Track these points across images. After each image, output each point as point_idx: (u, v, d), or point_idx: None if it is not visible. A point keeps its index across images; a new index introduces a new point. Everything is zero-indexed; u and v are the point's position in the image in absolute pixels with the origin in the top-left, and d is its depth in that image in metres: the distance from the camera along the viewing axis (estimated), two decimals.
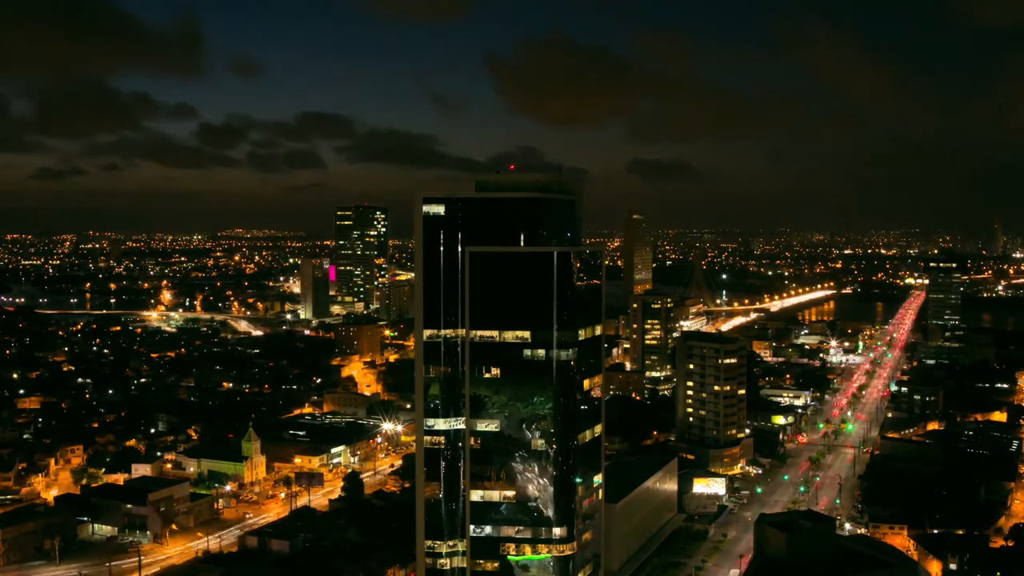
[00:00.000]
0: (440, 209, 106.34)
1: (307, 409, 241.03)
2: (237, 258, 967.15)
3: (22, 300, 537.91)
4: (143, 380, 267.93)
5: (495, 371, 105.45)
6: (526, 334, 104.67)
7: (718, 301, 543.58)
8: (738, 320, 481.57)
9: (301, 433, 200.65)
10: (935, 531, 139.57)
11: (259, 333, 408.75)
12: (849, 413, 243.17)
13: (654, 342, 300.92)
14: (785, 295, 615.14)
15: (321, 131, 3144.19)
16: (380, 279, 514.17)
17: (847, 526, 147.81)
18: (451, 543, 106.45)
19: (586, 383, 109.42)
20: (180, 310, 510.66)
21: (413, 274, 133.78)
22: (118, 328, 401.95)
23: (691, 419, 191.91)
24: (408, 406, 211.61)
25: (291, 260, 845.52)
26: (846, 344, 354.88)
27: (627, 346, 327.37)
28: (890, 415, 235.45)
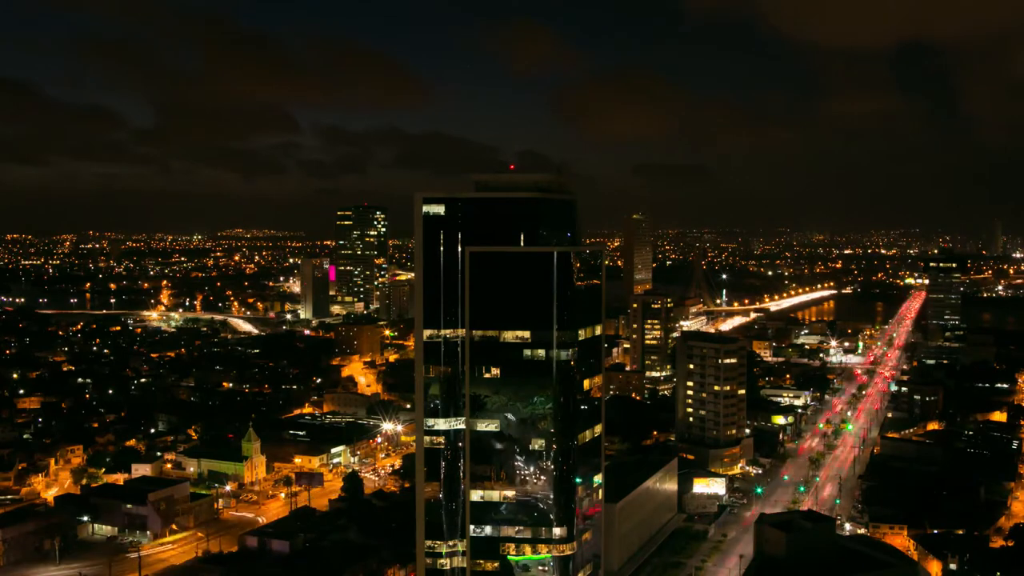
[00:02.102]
0: (440, 209, 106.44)
1: (307, 409, 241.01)
2: (237, 258, 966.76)
3: (22, 300, 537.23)
4: (143, 380, 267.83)
5: (495, 371, 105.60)
6: (526, 334, 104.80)
7: (718, 301, 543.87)
8: (738, 320, 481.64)
9: (301, 433, 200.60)
10: (935, 531, 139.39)
11: (259, 333, 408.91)
12: (849, 413, 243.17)
13: (654, 342, 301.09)
14: (785, 295, 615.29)
15: (375, 139, 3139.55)
16: (380, 279, 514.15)
17: (847, 526, 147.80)
18: (451, 543, 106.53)
19: (586, 383, 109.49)
20: (180, 310, 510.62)
21: (413, 274, 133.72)
22: (118, 328, 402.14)
23: (691, 419, 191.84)
24: (408, 406, 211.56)
25: (291, 260, 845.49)
26: (846, 344, 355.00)
27: (627, 346, 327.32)
28: (890, 415, 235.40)
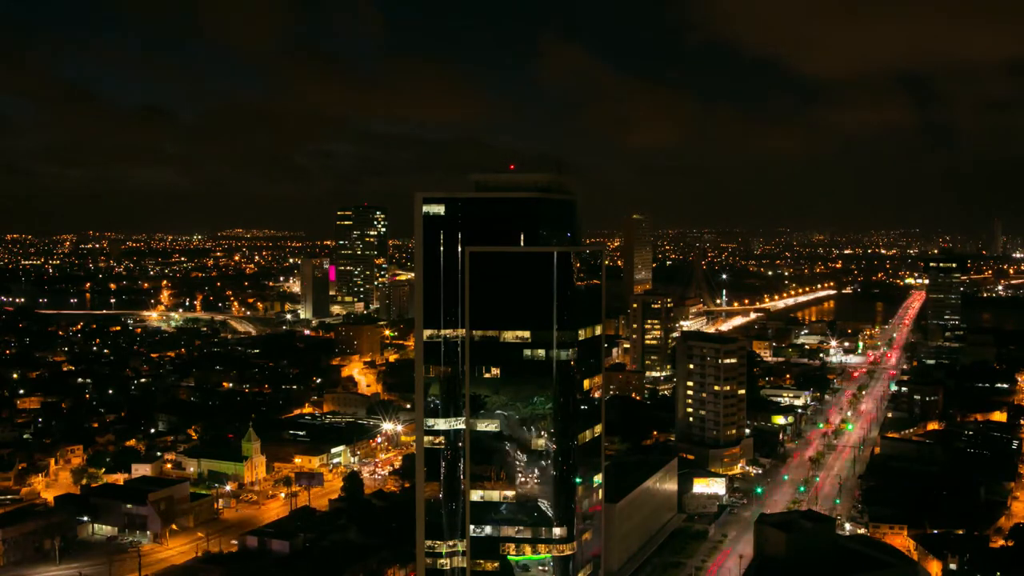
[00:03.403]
0: (440, 209, 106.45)
1: (307, 409, 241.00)
2: (237, 258, 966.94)
3: (22, 300, 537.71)
4: (143, 380, 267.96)
5: (495, 371, 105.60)
6: (526, 334, 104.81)
7: (718, 301, 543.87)
8: (738, 320, 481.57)
9: (301, 433, 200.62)
10: (935, 531, 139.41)
11: (259, 333, 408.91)
12: (849, 413, 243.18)
13: (654, 342, 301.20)
14: (785, 295, 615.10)
15: (396, 142, 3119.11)
16: (380, 279, 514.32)
17: (847, 526, 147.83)
18: (451, 543, 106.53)
19: (586, 383, 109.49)
20: (180, 310, 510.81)
21: (413, 274, 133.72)
22: (118, 328, 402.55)
23: (691, 419, 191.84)
24: (408, 406, 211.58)
25: (291, 260, 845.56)
26: (846, 344, 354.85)
27: (627, 346, 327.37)
28: (890, 415, 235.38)
